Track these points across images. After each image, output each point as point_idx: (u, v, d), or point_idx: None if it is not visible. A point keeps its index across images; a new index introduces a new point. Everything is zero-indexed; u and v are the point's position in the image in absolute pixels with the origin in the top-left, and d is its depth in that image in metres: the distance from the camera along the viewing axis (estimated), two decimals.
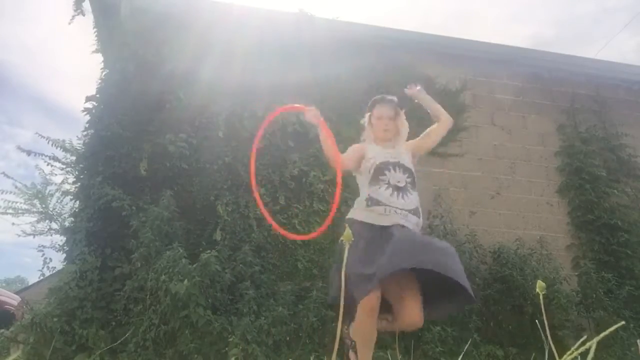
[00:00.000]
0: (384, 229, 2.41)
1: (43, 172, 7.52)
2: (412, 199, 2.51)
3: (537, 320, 4.22)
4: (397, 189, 2.50)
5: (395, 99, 2.82)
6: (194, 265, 3.98)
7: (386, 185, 2.51)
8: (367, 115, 2.84)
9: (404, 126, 2.79)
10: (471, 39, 6.28)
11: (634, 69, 6.45)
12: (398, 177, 2.54)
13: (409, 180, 2.55)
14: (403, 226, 2.42)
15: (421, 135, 2.80)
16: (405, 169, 2.59)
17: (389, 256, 2.20)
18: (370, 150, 2.69)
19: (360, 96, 5.51)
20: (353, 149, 2.77)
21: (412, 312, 2.35)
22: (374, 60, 5.63)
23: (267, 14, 5.47)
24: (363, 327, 2.33)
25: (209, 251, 4.14)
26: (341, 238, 1.06)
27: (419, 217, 2.50)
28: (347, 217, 2.56)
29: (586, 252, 5.55)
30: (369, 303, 2.24)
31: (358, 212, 2.55)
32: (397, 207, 2.46)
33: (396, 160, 2.61)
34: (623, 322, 1.21)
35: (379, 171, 2.55)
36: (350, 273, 2.25)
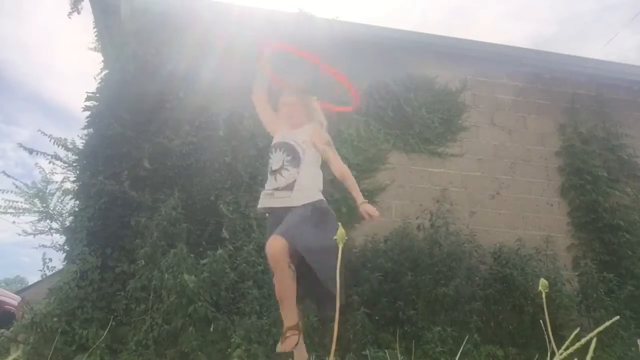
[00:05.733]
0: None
1: (43, 170, 7.49)
2: (287, 176, 2.58)
3: (540, 320, 4.22)
4: (272, 172, 2.64)
5: (301, 83, 2.94)
6: (204, 261, 4.05)
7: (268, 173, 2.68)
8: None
9: (313, 111, 2.81)
10: (471, 39, 6.28)
11: (634, 69, 6.45)
12: (277, 159, 2.64)
13: (288, 159, 2.61)
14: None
15: (327, 148, 2.69)
16: (288, 148, 2.64)
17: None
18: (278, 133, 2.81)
19: (360, 96, 5.52)
20: (270, 116, 2.90)
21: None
22: (374, 60, 5.62)
23: (267, 14, 5.47)
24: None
25: (219, 250, 4.18)
26: (334, 237, 1.05)
27: (290, 190, 2.56)
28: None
29: (587, 252, 5.54)
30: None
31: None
32: (269, 190, 2.63)
33: (283, 140, 2.69)
34: (618, 317, 1.20)
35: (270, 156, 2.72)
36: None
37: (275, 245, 2.31)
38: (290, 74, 3.10)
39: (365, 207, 2.50)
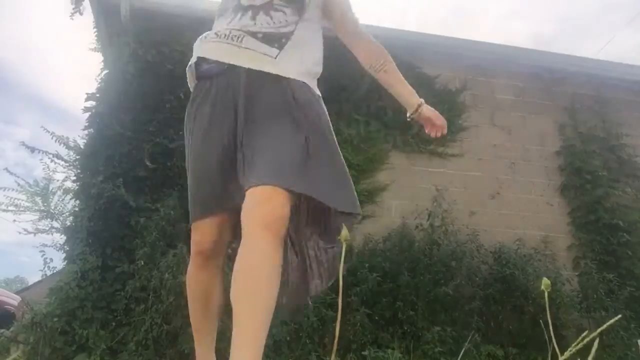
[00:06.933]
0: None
1: (47, 167, 7.45)
2: (279, 20, 1.40)
3: (541, 320, 4.22)
4: (246, 8, 1.40)
5: None
6: None
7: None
8: None
9: None
10: (471, 39, 6.28)
11: (635, 69, 6.44)
12: None
13: None
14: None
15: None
16: None
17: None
18: None
19: (360, 96, 5.53)
20: None
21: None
22: None
23: None
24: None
25: None
26: (338, 237, 1.02)
27: (279, 48, 1.36)
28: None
29: (587, 253, 5.54)
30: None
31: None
32: (227, 29, 1.38)
33: None
34: (620, 316, 1.20)
35: None
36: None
37: (283, 213, 1.19)
38: None
39: (428, 112, 1.44)
